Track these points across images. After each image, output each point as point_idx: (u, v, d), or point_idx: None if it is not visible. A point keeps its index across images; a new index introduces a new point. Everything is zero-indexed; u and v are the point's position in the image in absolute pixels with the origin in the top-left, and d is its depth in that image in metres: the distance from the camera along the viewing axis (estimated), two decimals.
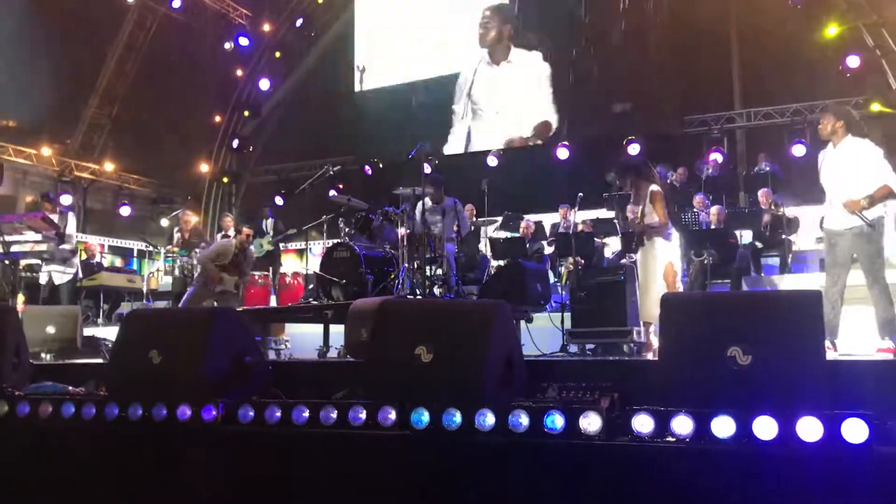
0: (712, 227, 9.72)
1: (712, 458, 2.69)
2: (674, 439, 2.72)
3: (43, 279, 9.24)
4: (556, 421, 2.84)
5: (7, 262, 8.07)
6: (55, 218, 9.19)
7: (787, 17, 12.44)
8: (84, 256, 11.89)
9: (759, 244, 10.12)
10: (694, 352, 3.07)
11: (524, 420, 2.88)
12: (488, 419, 2.94)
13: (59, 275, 9.23)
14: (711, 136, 13.48)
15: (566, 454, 2.87)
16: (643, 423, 2.76)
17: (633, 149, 12.49)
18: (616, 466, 2.80)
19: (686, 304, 3.40)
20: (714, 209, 10.01)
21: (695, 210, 10.41)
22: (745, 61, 13.69)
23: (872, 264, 5.54)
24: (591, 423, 2.80)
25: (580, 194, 8.41)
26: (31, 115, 14.83)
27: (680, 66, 13.31)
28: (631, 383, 3.64)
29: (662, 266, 6.60)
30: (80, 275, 10.11)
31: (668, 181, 11.18)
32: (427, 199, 8.59)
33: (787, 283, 9.16)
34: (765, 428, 2.62)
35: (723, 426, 2.67)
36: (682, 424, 2.72)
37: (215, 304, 8.72)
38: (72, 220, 9.44)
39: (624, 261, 7.90)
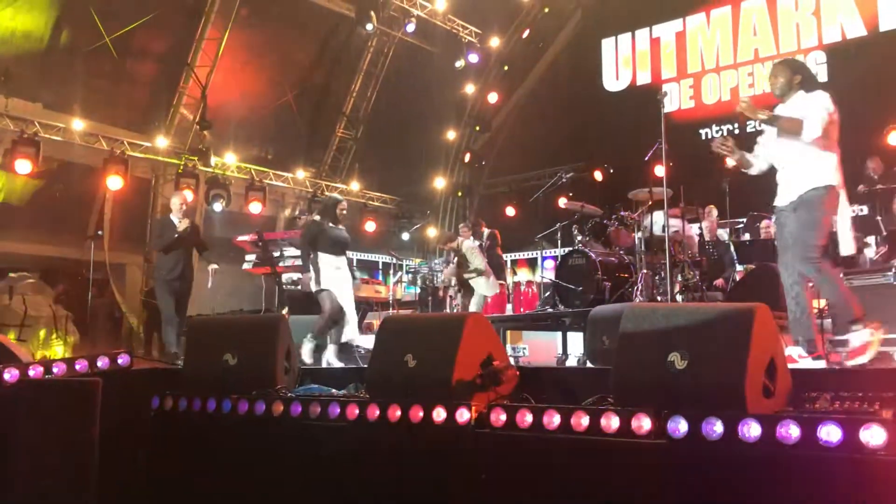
0: None
1: None
2: None
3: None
4: (832, 433, 2.60)
5: (274, 276, 8.85)
6: None
7: None
8: None
9: None
10: None
11: (794, 431, 2.67)
12: (753, 429, 2.76)
13: None
14: None
15: (844, 470, 2.62)
16: None
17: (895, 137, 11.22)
18: None
19: None
20: None
21: None
22: None
23: None
24: (873, 435, 2.54)
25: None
26: (287, 145, 16.31)
27: None
28: None
29: None
30: None
31: None
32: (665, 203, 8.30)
33: None
34: None
35: None
36: None
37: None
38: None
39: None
